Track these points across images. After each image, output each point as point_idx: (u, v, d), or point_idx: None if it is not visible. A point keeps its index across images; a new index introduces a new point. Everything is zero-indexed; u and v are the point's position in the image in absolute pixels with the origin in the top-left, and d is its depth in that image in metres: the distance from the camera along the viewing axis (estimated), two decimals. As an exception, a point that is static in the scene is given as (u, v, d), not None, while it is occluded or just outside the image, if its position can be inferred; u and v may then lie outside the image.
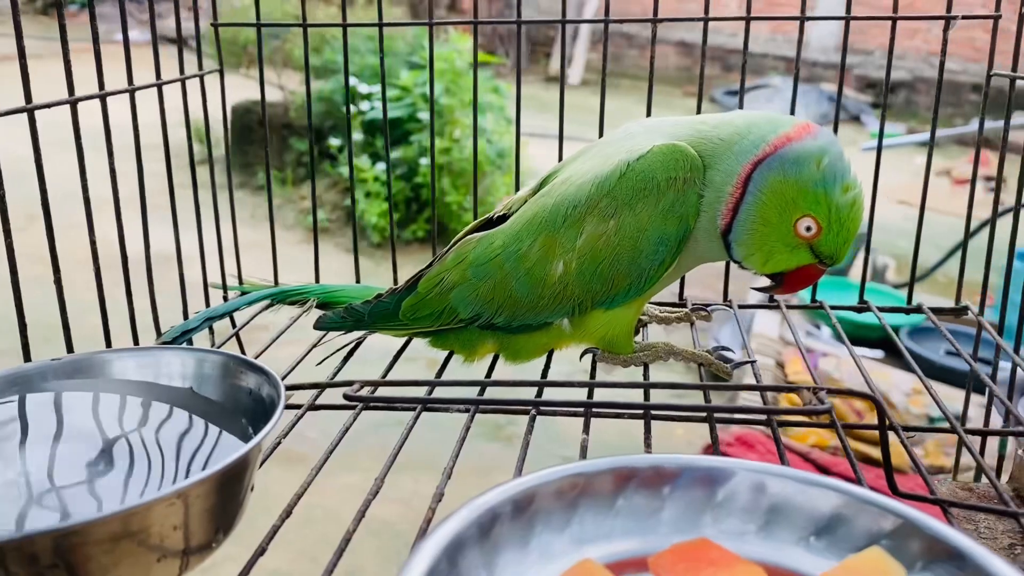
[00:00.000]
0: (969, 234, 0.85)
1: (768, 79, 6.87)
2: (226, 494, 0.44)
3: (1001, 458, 0.78)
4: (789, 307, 0.91)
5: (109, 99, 0.75)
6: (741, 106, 0.86)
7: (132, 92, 0.75)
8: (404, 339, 0.80)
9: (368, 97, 4.42)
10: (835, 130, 0.96)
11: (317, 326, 0.78)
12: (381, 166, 4.30)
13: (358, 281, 0.94)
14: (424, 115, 4.30)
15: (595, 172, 0.68)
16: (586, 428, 0.62)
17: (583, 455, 0.56)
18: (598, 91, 0.88)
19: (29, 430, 0.52)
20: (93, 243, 0.70)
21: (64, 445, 0.52)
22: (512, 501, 0.43)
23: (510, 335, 0.73)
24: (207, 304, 0.88)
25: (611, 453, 0.47)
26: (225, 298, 0.88)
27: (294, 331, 0.84)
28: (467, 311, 0.71)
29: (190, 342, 0.79)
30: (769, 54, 7.25)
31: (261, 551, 0.47)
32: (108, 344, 0.72)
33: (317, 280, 0.95)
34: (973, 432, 0.68)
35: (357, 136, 4.43)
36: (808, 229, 0.63)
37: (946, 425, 0.65)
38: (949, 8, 0.83)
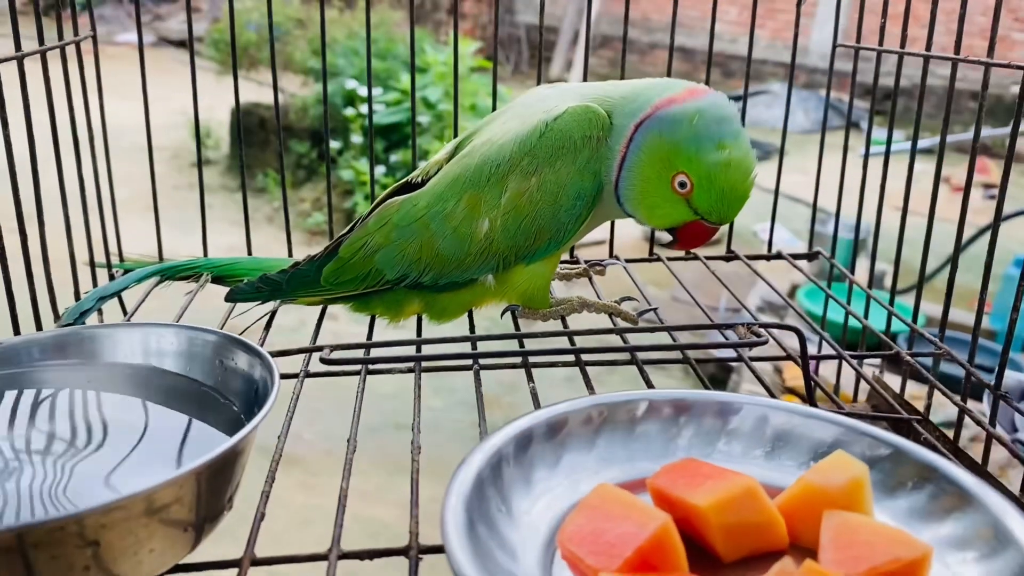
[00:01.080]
0: (960, 243, 0.86)
1: (767, 85, 6.89)
2: (233, 467, 0.46)
3: (858, 381, 0.87)
4: (750, 257, 0.98)
5: (116, 101, 0.73)
6: (744, 111, 0.88)
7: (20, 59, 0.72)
8: (319, 307, 0.81)
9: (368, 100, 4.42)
10: (824, 137, 0.98)
11: (229, 298, 0.78)
12: (381, 168, 4.31)
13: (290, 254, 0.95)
14: (423, 119, 4.31)
15: (515, 132, 0.71)
16: (529, 377, 0.66)
17: (535, 402, 0.60)
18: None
19: (17, 409, 0.53)
20: None
21: (55, 424, 0.52)
22: (547, 424, 0.49)
23: (435, 294, 0.75)
24: (95, 283, 0.86)
25: (556, 402, 0.52)
26: (111, 276, 0.87)
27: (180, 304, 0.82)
28: (393, 272, 0.73)
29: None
30: (768, 60, 7.26)
31: (261, 516, 0.48)
32: (15, 325, 0.70)
33: (205, 254, 0.94)
34: (856, 355, 0.76)
35: (356, 139, 4.44)
36: (682, 185, 0.66)
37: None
38: None
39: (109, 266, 0.89)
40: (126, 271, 0.85)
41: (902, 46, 0.83)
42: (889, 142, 0.92)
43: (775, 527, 0.42)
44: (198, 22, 7.99)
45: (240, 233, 0.97)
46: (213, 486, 0.44)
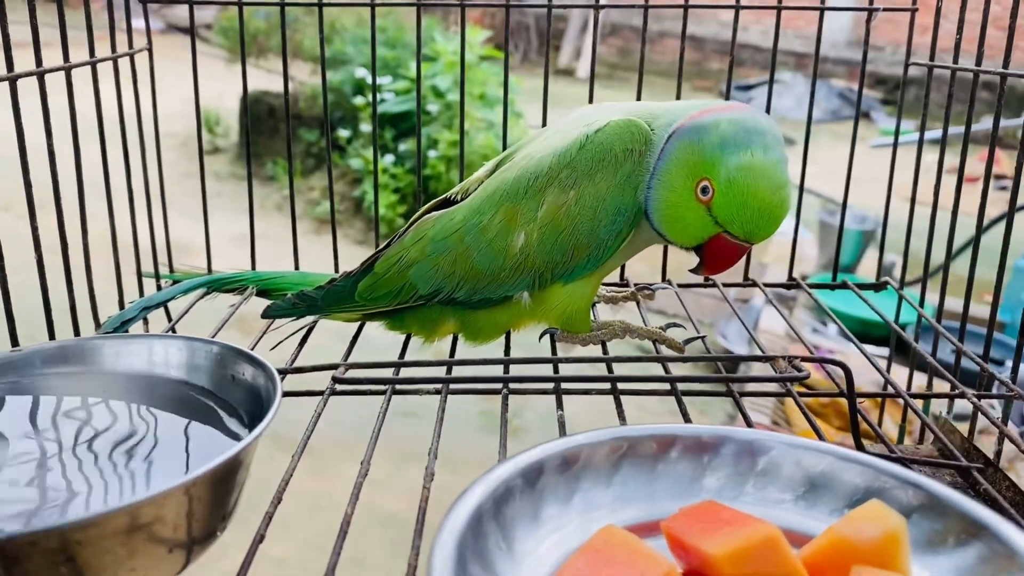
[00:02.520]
0: (980, 230, 0.85)
1: (777, 74, 6.84)
2: (229, 484, 0.44)
3: (924, 423, 0.84)
4: (726, 284, 0.94)
5: (126, 88, 0.74)
6: (770, 102, 0.86)
7: (68, 70, 0.72)
8: (356, 325, 0.80)
9: (379, 89, 4.41)
10: (807, 124, 0.96)
11: (266, 314, 0.78)
12: (390, 158, 4.29)
13: (336, 269, 0.94)
14: (433, 107, 4.28)
15: (555, 146, 0.69)
16: (559, 404, 0.63)
17: (561, 431, 0.57)
18: (607, 84, 0.88)
19: (16, 421, 0.52)
20: (35, 230, 0.68)
21: (60, 434, 0.51)
22: (561, 455, 0.46)
23: (470, 312, 0.73)
24: (141, 293, 0.87)
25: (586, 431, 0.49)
26: (159, 287, 0.87)
27: (230, 319, 0.82)
28: (427, 287, 0.71)
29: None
30: (779, 49, 7.21)
31: (260, 538, 0.46)
32: (51, 333, 0.70)
33: (253, 267, 0.94)
34: (916, 396, 0.72)
35: (366, 128, 4.42)
36: (704, 191, 0.63)
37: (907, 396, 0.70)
38: (871, 1, 0.87)
39: (158, 276, 0.89)
40: (174, 282, 0.85)
41: (960, 59, 0.81)
42: (897, 134, 0.92)
43: (798, 581, 0.39)
44: (207, 10, 7.96)
45: (247, 222, 0.97)
46: (202, 505, 0.42)
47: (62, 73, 0.71)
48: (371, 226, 4.18)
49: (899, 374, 0.87)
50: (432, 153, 4.18)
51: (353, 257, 0.96)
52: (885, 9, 0.86)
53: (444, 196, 0.76)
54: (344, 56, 4.63)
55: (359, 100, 4.44)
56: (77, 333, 0.75)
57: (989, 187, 0.78)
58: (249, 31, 4.63)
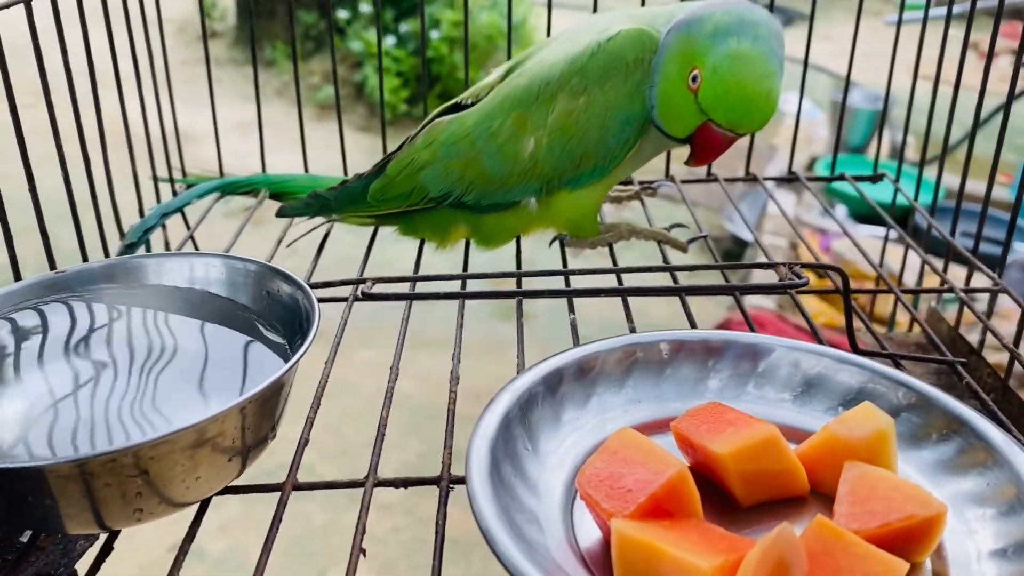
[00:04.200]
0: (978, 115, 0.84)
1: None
2: (277, 398, 0.47)
3: (914, 317, 0.88)
4: (727, 180, 0.95)
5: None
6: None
7: None
8: (370, 231, 0.82)
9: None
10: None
11: (280, 214, 0.80)
12: (391, 40, 4.18)
13: (345, 172, 0.95)
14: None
15: (566, 53, 0.69)
16: (571, 308, 0.65)
17: (574, 333, 0.61)
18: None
19: (72, 336, 0.54)
20: (60, 149, 0.69)
21: (111, 351, 0.54)
22: (577, 364, 0.50)
23: (479, 216, 0.74)
24: (157, 197, 0.89)
25: (599, 333, 0.53)
26: (174, 192, 0.89)
27: (246, 223, 0.84)
28: (437, 190, 0.73)
29: (148, 242, 0.81)
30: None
31: (305, 442, 0.51)
32: (81, 244, 0.73)
33: (263, 170, 0.96)
34: (907, 291, 0.75)
35: (365, 8, 4.29)
36: (694, 80, 0.63)
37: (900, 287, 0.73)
38: None
39: (172, 181, 0.91)
40: (188, 186, 0.87)
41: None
42: (892, 7, 0.89)
43: (794, 476, 0.43)
44: None
45: (249, 108, 0.96)
46: (256, 418, 0.45)
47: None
48: (373, 112, 4.11)
49: (911, 257, 0.88)
50: (434, 34, 4.06)
51: (355, 145, 0.96)
52: None
53: (455, 100, 0.76)
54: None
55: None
56: (104, 244, 0.78)
57: (1021, 64, 0.76)
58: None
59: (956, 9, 0.85)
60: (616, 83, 0.66)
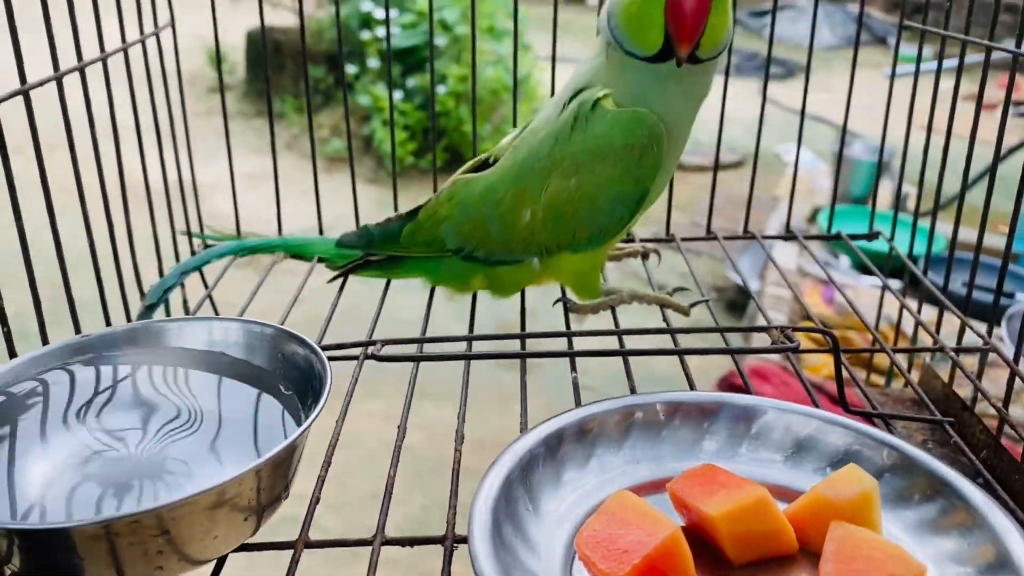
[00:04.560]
0: (997, 159, 0.85)
1: (793, 1, 6.69)
2: (291, 459, 0.50)
3: (910, 366, 0.91)
4: (726, 238, 0.98)
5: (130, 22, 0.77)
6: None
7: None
8: (380, 295, 0.85)
9: (384, 23, 4.35)
10: (808, 53, 0.97)
11: (339, 244, 0.84)
12: (398, 94, 4.26)
13: (357, 222, 0.99)
14: (440, 41, 4.23)
15: (556, 127, 0.72)
16: (573, 367, 0.68)
17: (576, 392, 0.64)
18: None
19: (95, 398, 0.57)
20: (84, 208, 0.72)
21: (132, 413, 0.57)
22: (578, 425, 0.53)
23: (492, 267, 0.79)
24: (176, 254, 0.92)
25: (601, 383, 0.54)
26: (192, 252, 0.92)
27: (261, 282, 0.88)
28: (453, 243, 0.78)
29: (167, 302, 0.84)
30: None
31: (316, 500, 0.53)
32: (102, 297, 0.76)
33: (280, 231, 1.00)
34: (900, 350, 0.77)
35: (373, 63, 4.38)
36: None
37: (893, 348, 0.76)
38: None
39: (190, 238, 0.94)
40: (206, 245, 0.91)
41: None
42: (892, 60, 0.92)
43: (784, 535, 0.45)
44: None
45: (258, 160, 1.00)
46: (271, 479, 0.48)
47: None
48: (380, 164, 4.17)
49: (911, 306, 0.90)
50: (441, 89, 4.14)
51: (365, 196, 0.99)
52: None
53: (483, 157, 0.81)
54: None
55: (366, 35, 4.39)
56: (125, 302, 0.81)
57: (1008, 113, 0.78)
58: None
59: (953, 62, 0.88)
60: (606, 167, 0.70)
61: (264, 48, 0.94)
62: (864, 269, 3.12)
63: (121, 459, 0.52)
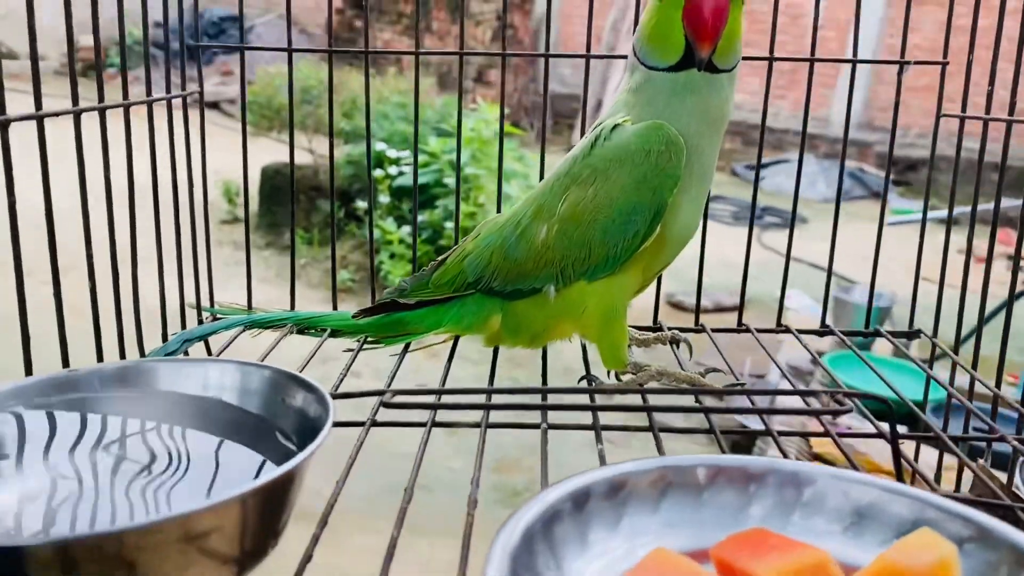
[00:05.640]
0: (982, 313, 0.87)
1: (787, 154, 6.95)
2: (281, 501, 0.45)
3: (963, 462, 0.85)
4: (759, 330, 0.94)
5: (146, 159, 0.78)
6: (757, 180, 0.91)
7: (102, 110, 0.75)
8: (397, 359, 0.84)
9: (396, 162, 4.50)
10: (793, 202, 0.98)
11: (384, 296, 0.85)
12: (407, 228, 4.35)
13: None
14: (450, 180, 4.36)
15: (577, 150, 0.75)
16: (599, 439, 0.64)
17: (602, 463, 0.58)
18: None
19: (81, 436, 0.53)
20: (91, 266, 0.72)
21: (114, 452, 0.53)
22: (608, 482, 0.47)
23: (508, 303, 0.78)
24: (183, 326, 0.90)
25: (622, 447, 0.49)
26: (200, 321, 0.90)
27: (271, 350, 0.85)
28: (473, 274, 0.78)
29: None
30: (790, 130, 7.34)
31: (308, 558, 0.46)
32: (100, 356, 0.74)
33: (292, 307, 0.98)
34: (955, 439, 0.73)
35: (384, 199, 4.50)
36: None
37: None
38: (903, 54, 0.90)
39: (199, 310, 0.93)
40: (215, 317, 0.90)
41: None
42: (895, 210, 0.93)
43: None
44: (230, 85, 8.20)
45: (270, 289, 1.00)
46: (255, 519, 0.42)
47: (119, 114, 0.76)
48: (386, 296, 4.20)
49: (926, 454, 0.87)
50: (448, 224, 4.23)
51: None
52: (917, 62, 0.89)
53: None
54: (364, 131, 4.73)
55: (378, 173, 4.53)
56: (123, 355, 0.77)
57: (1020, 264, 0.80)
58: (273, 106, 4.75)
59: (938, 215, 0.90)
60: (623, 172, 0.70)
61: (292, 186, 0.96)
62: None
63: (97, 499, 0.48)
